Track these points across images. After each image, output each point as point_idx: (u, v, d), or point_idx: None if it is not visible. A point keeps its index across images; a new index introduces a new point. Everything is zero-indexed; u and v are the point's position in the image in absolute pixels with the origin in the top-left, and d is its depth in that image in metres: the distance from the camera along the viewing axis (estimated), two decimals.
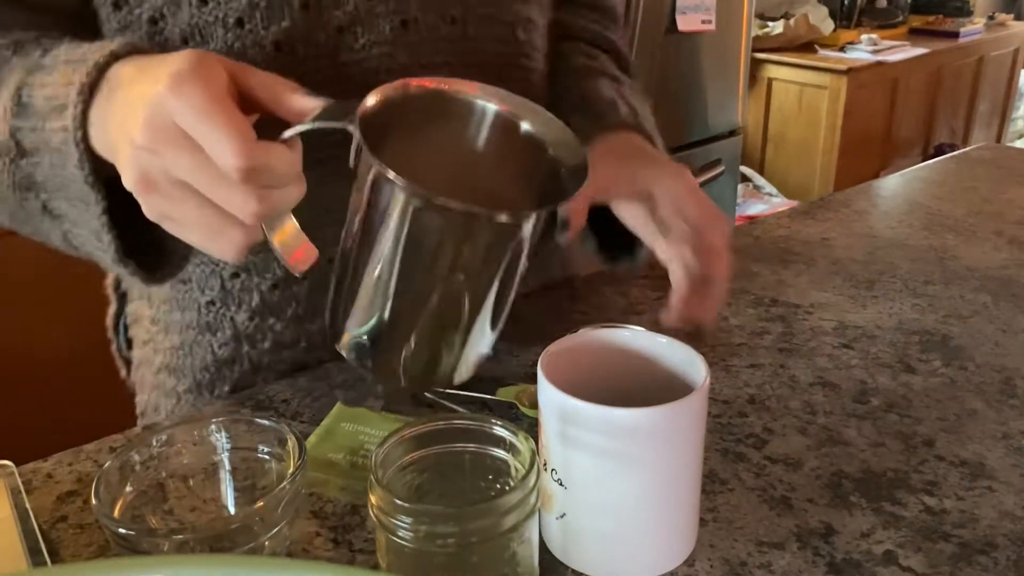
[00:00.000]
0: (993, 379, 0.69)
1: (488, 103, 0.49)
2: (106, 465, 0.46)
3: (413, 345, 0.49)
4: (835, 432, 0.62)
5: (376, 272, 0.46)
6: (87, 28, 0.56)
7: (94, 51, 0.46)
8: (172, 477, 0.49)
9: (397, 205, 0.43)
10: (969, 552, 0.50)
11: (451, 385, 0.51)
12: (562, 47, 0.77)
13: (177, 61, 0.42)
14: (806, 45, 3.26)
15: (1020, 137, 4.38)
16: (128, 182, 0.43)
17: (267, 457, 0.50)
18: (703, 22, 2.29)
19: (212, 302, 0.65)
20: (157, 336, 0.69)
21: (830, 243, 0.97)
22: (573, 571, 0.49)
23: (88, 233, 0.51)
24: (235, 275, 0.64)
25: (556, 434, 0.46)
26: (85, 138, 0.46)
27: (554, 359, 0.48)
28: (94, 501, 0.44)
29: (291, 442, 0.48)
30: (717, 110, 2.49)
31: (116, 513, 0.45)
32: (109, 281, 0.75)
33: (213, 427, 0.51)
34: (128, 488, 0.47)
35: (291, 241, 0.47)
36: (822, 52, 3.20)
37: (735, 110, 2.55)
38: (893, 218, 1.05)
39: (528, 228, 0.46)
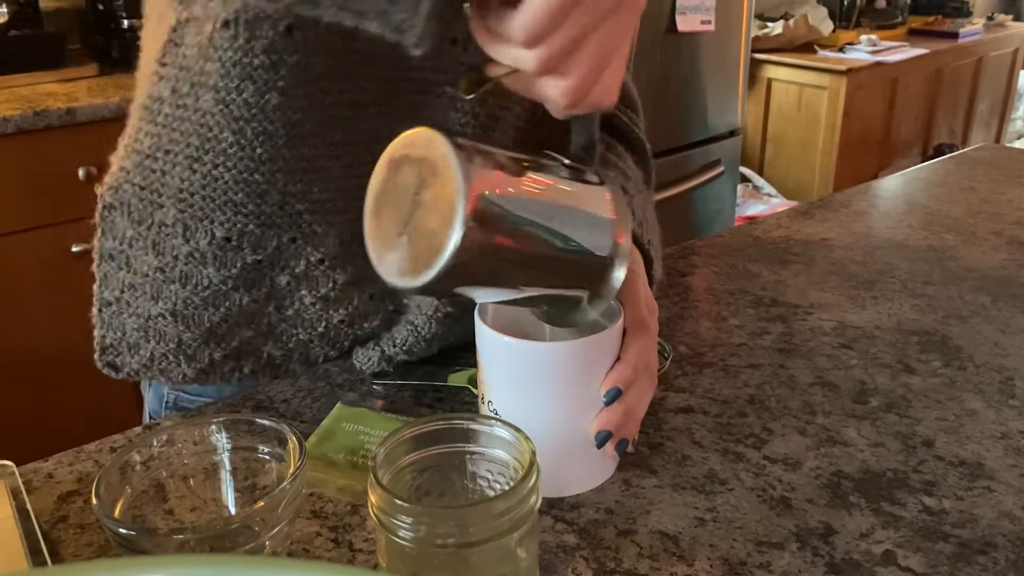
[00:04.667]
0: (992, 379, 0.69)
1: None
2: (107, 465, 0.47)
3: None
4: (834, 432, 0.62)
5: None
6: None
7: None
8: (172, 477, 0.50)
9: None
10: (968, 552, 0.50)
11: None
12: None
13: None
14: (805, 46, 3.26)
15: (1019, 137, 4.38)
16: None
17: (267, 457, 0.50)
18: (703, 22, 2.29)
19: (260, 261, 0.63)
20: (166, 286, 0.64)
21: (829, 243, 0.97)
22: (572, 571, 0.49)
23: None
24: (293, 240, 0.63)
25: (491, 370, 0.55)
26: None
27: (489, 309, 0.57)
28: (95, 501, 0.44)
29: (291, 442, 0.49)
30: (717, 110, 2.49)
31: (116, 513, 0.45)
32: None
33: (213, 427, 0.51)
34: (128, 488, 0.47)
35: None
36: (821, 53, 3.20)
37: (735, 110, 2.55)
38: (892, 218, 1.05)
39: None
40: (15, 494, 0.53)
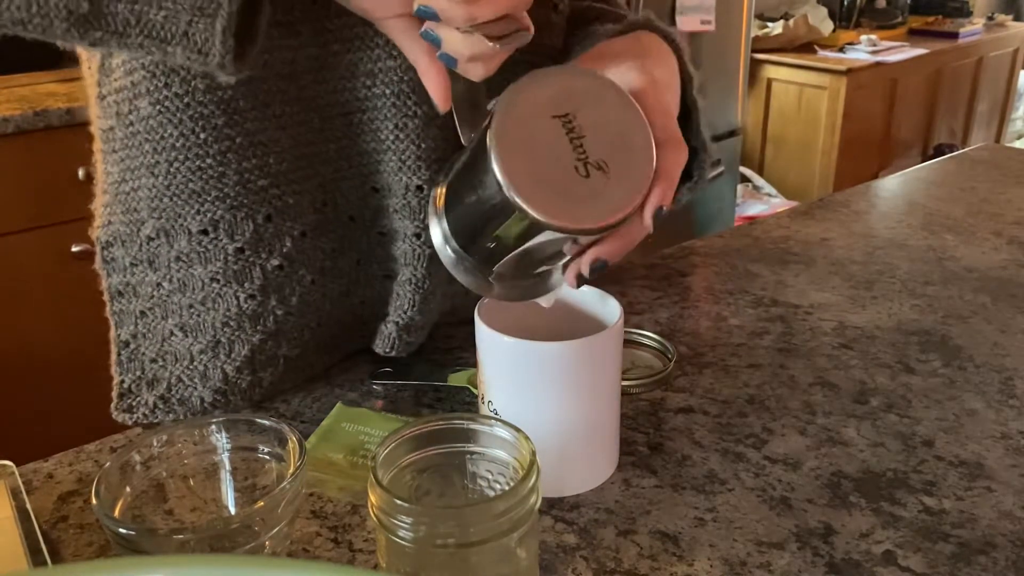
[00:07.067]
0: (992, 379, 0.69)
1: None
2: (107, 465, 0.47)
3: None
4: (834, 432, 0.62)
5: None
6: None
7: None
8: (172, 477, 0.50)
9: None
10: (968, 552, 0.51)
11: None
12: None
13: None
14: (805, 46, 3.26)
15: (1019, 137, 4.38)
16: None
17: (267, 457, 0.50)
18: (703, 22, 2.30)
19: (241, 249, 0.63)
20: (170, 298, 0.66)
21: (829, 243, 0.97)
22: (572, 571, 0.49)
23: None
24: (268, 218, 0.63)
25: (491, 370, 0.55)
26: None
27: (489, 308, 0.57)
28: (95, 501, 0.44)
29: (291, 442, 0.49)
30: (717, 110, 2.49)
31: (116, 513, 0.45)
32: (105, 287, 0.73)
33: (213, 427, 0.51)
34: (128, 488, 0.47)
35: None
36: (821, 53, 3.20)
37: (735, 110, 2.56)
38: (892, 219, 1.05)
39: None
40: (15, 494, 0.53)
